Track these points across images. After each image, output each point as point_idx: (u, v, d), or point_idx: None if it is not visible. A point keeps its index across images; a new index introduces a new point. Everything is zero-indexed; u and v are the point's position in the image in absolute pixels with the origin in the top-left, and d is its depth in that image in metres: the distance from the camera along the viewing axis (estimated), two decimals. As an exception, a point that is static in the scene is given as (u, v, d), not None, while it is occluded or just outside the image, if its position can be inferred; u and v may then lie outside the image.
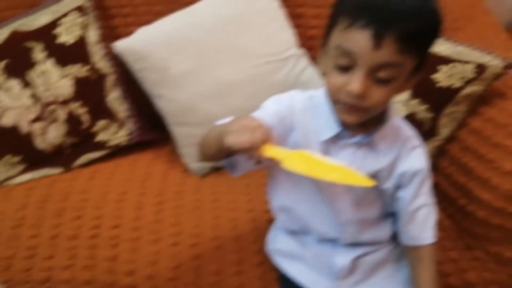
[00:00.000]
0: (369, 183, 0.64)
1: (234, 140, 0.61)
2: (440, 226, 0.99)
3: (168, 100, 1.11)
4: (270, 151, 0.62)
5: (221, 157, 0.73)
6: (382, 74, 0.64)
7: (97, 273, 0.85)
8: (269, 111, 0.73)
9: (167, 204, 1.00)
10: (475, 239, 0.95)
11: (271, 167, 0.79)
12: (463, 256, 0.93)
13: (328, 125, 0.72)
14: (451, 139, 1.05)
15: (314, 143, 0.74)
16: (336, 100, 0.68)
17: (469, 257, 0.92)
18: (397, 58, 0.62)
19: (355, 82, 0.63)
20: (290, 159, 0.63)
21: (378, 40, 0.61)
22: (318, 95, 0.75)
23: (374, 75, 0.64)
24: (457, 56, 1.03)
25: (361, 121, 0.69)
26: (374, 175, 0.74)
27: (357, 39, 0.62)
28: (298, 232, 0.83)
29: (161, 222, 0.96)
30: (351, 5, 0.63)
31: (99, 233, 0.91)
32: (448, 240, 0.96)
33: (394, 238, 0.83)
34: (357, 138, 0.73)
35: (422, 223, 0.77)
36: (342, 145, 0.73)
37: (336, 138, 0.73)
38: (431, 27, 0.65)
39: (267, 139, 0.62)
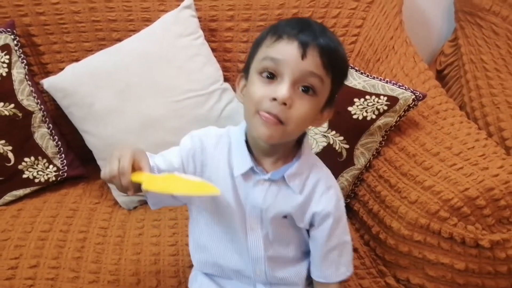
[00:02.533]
0: (215, 191, 0.64)
1: (103, 170, 0.64)
2: (357, 254, 1.03)
3: (94, 136, 1.12)
4: (138, 176, 0.63)
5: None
6: (305, 84, 0.67)
7: (8, 316, 0.84)
8: (183, 147, 0.76)
9: (90, 241, 1.01)
10: (387, 266, 0.98)
11: (190, 206, 0.81)
12: (374, 283, 0.95)
13: (242, 161, 0.74)
14: (368, 167, 1.10)
15: (225, 178, 0.75)
16: (257, 110, 0.68)
17: (381, 285, 0.95)
18: (321, 71, 0.67)
19: (281, 88, 0.65)
20: (152, 181, 0.64)
21: (304, 50, 0.65)
22: (234, 131, 0.77)
23: (298, 86, 0.67)
24: (371, 89, 1.08)
25: (278, 141, 0.70)
26: (287, 214, 0.75)
27: (285, 49, 0.66)
28: (214, 275, 0.84)
29: (81, 259, 0.96)
30: (277, 26, 0.69)
31: (15, 274, 0.90)
32: (362, 268, 0.99)
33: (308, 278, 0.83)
34: (269, 175, 0.73)
35: (336, 263, 0.78)
36: (255, 181, 0.74)
37: (249, 174, 0.74)
38: (343, 61, 0.71)
39: (138, 165, 0.64)
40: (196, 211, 0.80)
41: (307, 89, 0.67)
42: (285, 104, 0.66)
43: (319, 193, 0.75)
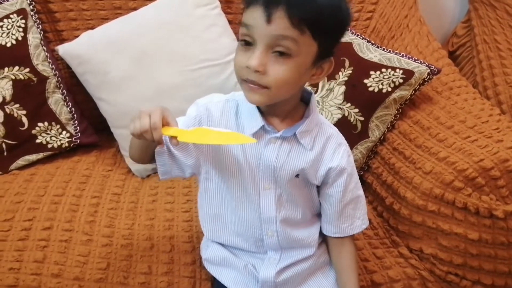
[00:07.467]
0: (252, 140, 0.69)
1: (134, 125, 0.66)
2: (370, 224, 1.03)
3: (109, 103, 1.12)
4: (169, 130, 0.67)
5: (147, 155, 0.75)
6: (279, 48, 0.65)
7: (22, 276, 0.84)
8: (189, 116, 0.77)
9: (103, 206, 1.01)
10: (400, 237, 0.99)
11: (199, 176, 0.80)
12: (388, 253, 0.96)
13: (252, 121, 0.75)
14: (382, 140, 1.10)
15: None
16: (240, 78, 0.70)
17: (394, 254, 0.96)
18: (291, 33, 0.64)
19: (252, 57, 0.66)
20: (186, 134, 0.68)
21: (268, 14, 0.64)
22: (240, 95, 0.76)
23: (272, 51, 0.66)
24: (387, 62, 1.08)
25: (268, 103, 0.71)
26: (300, 172, 0.77)
27: (253, 15, 0.66)
28: (226, 245, 0.84)
29: (94, 223, 0.96)
30: None
31: (28, 235, 0.90)
32: (376, 238, 0.99)
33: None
34: (281, 132, 0.74)
35: (351, 216, 0.81)
36: (267, 140, 0.75)
37: (260, 133, 0.75)
38: (328, 12, 0.66)
39: (166, 121, 0.67)
40: (206, 180, 0.80)
41: (281, 52, 0.66)
42: (258, 71, 0.66)
43: (331, 149, 0.78)
